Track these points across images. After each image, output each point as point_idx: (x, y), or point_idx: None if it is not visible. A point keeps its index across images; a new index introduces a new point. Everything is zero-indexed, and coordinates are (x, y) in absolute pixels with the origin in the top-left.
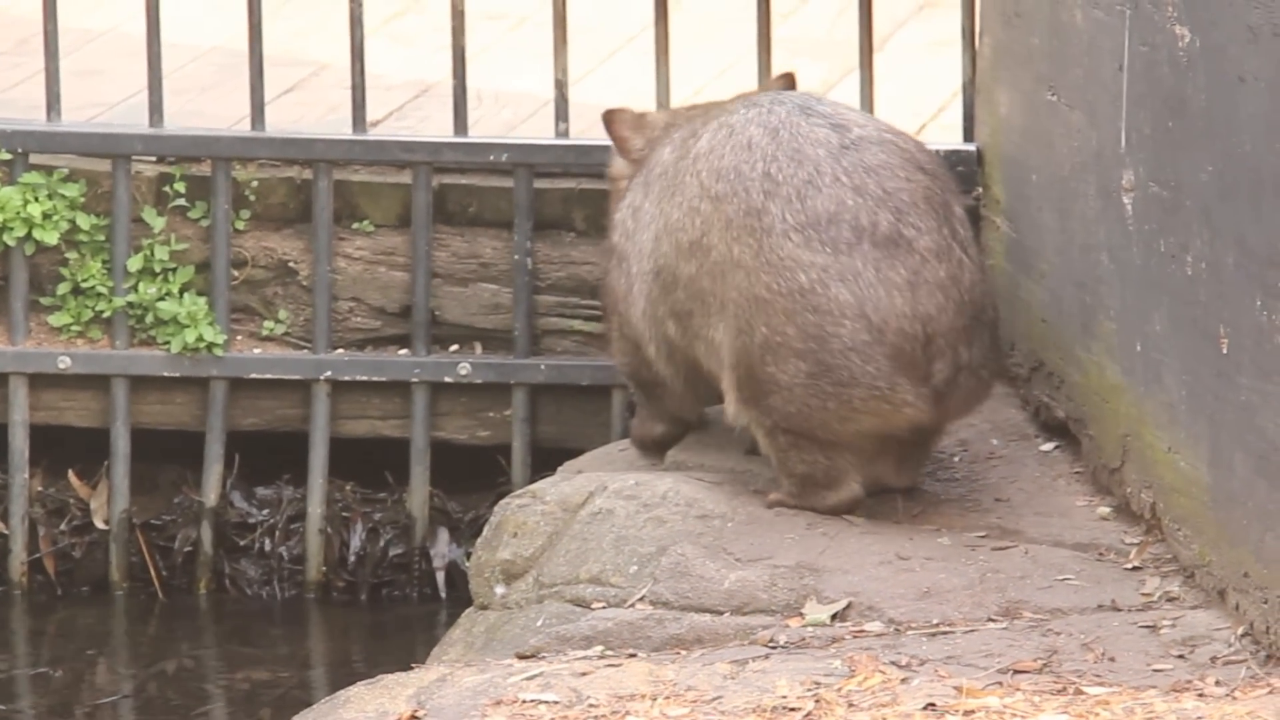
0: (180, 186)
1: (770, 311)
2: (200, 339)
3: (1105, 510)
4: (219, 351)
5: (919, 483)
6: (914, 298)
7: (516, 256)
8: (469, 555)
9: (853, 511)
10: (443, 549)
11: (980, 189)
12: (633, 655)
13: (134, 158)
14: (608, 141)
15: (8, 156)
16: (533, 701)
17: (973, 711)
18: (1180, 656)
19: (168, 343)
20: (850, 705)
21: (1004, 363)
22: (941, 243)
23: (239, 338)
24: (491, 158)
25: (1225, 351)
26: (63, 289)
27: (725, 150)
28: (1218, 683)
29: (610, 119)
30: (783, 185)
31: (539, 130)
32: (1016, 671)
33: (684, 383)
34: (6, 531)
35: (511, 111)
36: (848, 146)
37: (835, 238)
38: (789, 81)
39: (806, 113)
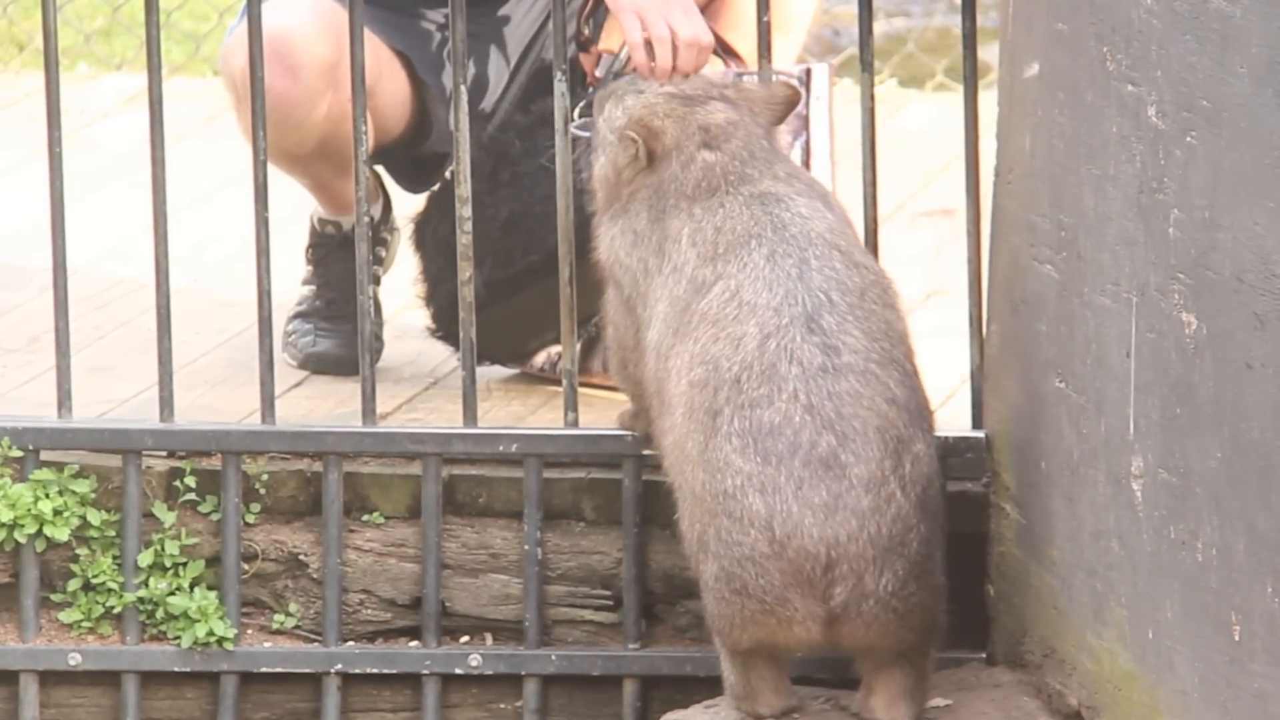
0: (191, 481)
1: (701, 509)
2: (211, 633)
3: None
4: (229, 646)
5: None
6: (826, 521)
7: (526, 547)
8: None
9: None
10: None
11: (989, 475)
12: None
13: (144, 453)
14: (617, 430)
15: (19, 453)
16: None
17: None
18: None
19: (178, 638)
20: None
21: (929, 599)
22: (876, 474)
23: (249, 631)
24: (501, 448)
25: (1237, 638)
26: (73, 585)
27: (721, 333)
28: None
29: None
30: (744, 394)
31: (548, 420)
32: None
33: None
34: None
35: (520, 403)
36: (826, 371)
37: (769, 449)
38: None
39: (809, 326)
